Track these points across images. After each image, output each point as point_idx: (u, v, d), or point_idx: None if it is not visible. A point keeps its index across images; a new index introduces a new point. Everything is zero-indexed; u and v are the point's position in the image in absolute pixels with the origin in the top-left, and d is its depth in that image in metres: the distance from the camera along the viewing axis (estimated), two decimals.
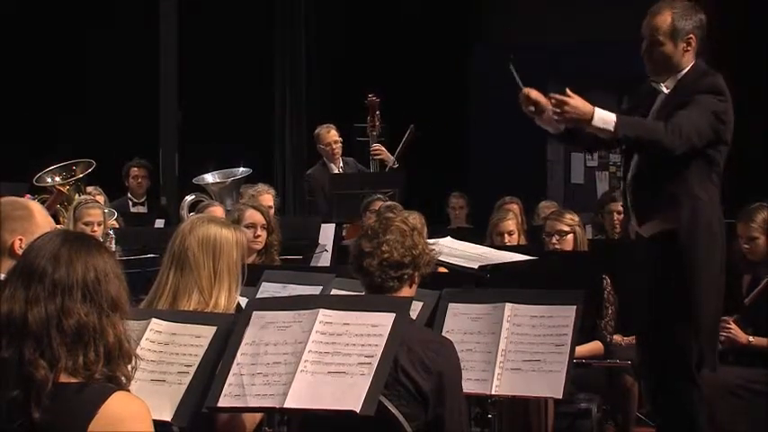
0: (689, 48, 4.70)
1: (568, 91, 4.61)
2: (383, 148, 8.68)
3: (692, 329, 4.63)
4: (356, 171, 8.87)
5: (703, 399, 4.69)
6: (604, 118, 4.56)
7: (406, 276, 3.57)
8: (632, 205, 4.87)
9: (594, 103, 4.65)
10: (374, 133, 8.72)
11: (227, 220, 4.38)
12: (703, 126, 4.57)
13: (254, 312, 3.33)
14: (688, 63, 4.74)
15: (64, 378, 2.42)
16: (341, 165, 8.82)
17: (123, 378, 2.48)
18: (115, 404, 2.40)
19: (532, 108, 4.77)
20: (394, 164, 8.63)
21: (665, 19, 4.68)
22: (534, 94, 4.76)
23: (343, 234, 7.47)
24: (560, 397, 3.84)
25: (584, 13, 11.06)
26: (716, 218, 4.71)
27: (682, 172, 4.65)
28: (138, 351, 2.83)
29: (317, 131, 8.93)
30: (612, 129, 4.54)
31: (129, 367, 2.51)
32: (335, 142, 8.76)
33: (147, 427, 2.43)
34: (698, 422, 4.68)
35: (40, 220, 3.87)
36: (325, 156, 8.83)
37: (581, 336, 4.39)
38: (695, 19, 4.71)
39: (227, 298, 3.69)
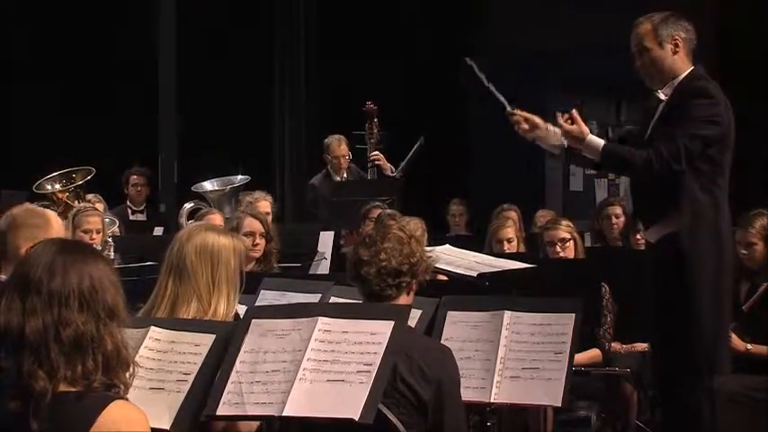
0: (677, 49, 4.76)
1: (575, 112, 4.79)
2: (381, 156, 8.68)
3: (694, 332, 4.64)
4: (358, 178, 8.87)
5: (714, 404, 4.67)
6: (592, 146, 4.78)
7: (403, 284, 3.57)
8: (636, 211, 4.92)
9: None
10: (372, 141, 8.73)
11: (224, 228, 4.38)
12: (689, 142, 4.63)
13: (253, 320, 3.33)
14: (683, 67, 4.78)
15: (63, 387, 2.41)
16: (344, 175, 8.82)
17: (121, 386, 2.48)
18: (113, 413, 2.39)
19: (526, 126, 4.95)
20: (392, 171, 8.63)
21: (645, 27, 4.80)
22: (521, 112, 4.96)
23: (342, 242, 7.45)
24: (559, 405, 3.84)
25: (585, 18, 11.06)
26: (723, 220, 4.72)
27: (682, 176, 4.68)
28: (137, 359, 2.83)
29: (327, 141, 8.88)
30: (598, 159, 4.79)
31: (127, 375, 2.50)
32: (344, 156, 8.76)
33: None
34: (702, 427, 4.67)
35: (57, 228, 3.90)
36: (332, 167, 8.83)
37: (580, 343, 4.39)
38: (677, 23, 4.79)
39: (226, 306, 3.69)
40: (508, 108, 4.97)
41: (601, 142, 4.79)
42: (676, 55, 4.76)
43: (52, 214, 4.06)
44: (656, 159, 4.63)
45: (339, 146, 8.78)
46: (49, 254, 2.50)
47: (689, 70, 4.78)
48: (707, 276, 4.65)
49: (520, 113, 4.95)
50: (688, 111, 4.68)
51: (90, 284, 2.47)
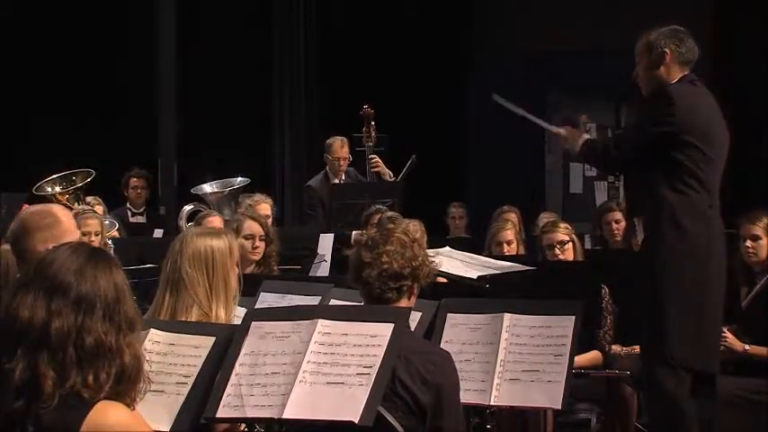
0: (664, 60, 4.91)
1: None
2: (380, 162, 8.67)
3: (658, 324, 4.73)
4: (356, 181, 8.85)
5: (685, 399, 4.72)
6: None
7: (405, 288, 3.57)
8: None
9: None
10: (370, 144, 8.71)
11: (215, 229, 4.37)
12: (628, 134, 5.04)
13: (253, 323, 3.33)
14: (672, 76, 4.92)
15: (66, 391, 2.40)
16: (342, 177, 8.81)
17: (128, 399, 2.46)
18: (100, 413, 2.37)
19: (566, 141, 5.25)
20: (390, 177, 8.63)
21: (642, 40, 5.01)
22: (561, 130, 5.26)
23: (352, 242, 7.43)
24: (559, 407, 3.84)
25: (585, 23, 11.07)
26: (691, 218, 4.78)
27: (650, 176, 4.84)
28: None
29: (329, 141, 8.82)
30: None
31: (138, 387, 2.48)
32: (345, 158, 8.73)
33: None
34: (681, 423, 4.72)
35: (67, 224, 3.91)
36: (331, 168, 8.78)
37: (579, 346, 4.39)
38: (671, 36, 4.95)
39: (226, 309, 3.69)
40: (552, 129, 5.28)
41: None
42: (663, 65, 4.91)
43: (58, 208, 4.06)
44: (607, 143, 5.07)
45: (341, 147, 8.73)
46: (80, 259, 2.48)
47: (678, 78, 4.91)
48: (667, 269, 4.74)
49: (562, 132, 5.19)
50: (643, 108, 4.97)
51: (115, 295, 2.46)
